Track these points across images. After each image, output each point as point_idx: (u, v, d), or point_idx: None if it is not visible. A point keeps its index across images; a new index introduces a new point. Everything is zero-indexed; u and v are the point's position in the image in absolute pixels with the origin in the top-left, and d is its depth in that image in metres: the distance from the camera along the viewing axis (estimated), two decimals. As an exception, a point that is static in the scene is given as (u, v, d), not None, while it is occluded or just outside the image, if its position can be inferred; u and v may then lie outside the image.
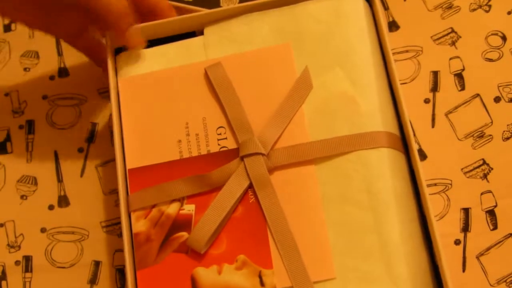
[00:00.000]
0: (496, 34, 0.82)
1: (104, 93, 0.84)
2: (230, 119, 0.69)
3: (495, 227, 0.74)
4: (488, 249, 0.74)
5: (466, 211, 0.75)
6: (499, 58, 0.81)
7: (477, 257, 0.74)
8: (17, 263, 0.79)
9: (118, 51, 0.75)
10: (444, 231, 0.75)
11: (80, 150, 0.82)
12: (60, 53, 0.86)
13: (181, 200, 0.68)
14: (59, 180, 0.81)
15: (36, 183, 0.81)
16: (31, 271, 0.78)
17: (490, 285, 0.73)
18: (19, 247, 0.79)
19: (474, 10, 0.83)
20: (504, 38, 0.81)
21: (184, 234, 0.68)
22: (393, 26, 0.83)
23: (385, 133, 0.68)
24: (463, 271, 0.73)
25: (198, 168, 0.69)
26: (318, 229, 0.66)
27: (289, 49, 0.71)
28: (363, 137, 0.67)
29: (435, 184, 0.76)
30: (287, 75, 0.70)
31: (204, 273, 0.66)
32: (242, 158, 0.68)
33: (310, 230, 0.66)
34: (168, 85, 0.72)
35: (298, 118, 0.69)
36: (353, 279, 0.64)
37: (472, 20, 0.83)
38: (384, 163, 0.67)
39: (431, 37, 0.82)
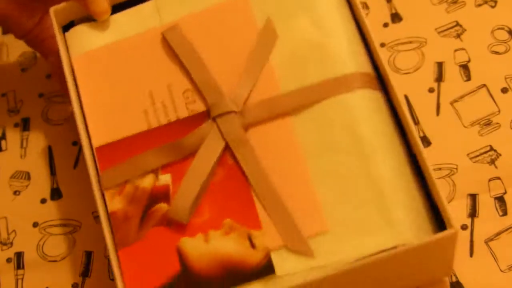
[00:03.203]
0: (503, 29, 0.80)
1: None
2: (196, 82, 0.66)
3: (504, 213, 0.71)
4: (498, 234, 0.70)
5: (473, 197, 0.72)
6: (506, 52, 0.78)
7: (486, 242, 0.70)
8: (8, 260, 0.76)
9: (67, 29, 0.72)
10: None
11: (74, 143, 0.80)
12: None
13: (155, 171, 0.65)
14: (52, 173, 0.79)
15: (29, 178, 0.79)
16: (23, 268, 0.76)
17: (501, 270, 0.69)
18: (11, 244, 0.77)
19: (479, 5, 0.81)
20: (510, 32, 0.79)
21: (163, 206, 0.64)
22: (396, 18, 0.82)
23: (359, 74, 0.65)
24: (471, 255, 0.70)
25: (169, 136, 0.66)
26: (303, 182, 0.63)
27: (245, 1, 0.68)
28: (337, 81, 0.64)
29: (440, 169, 0.73)
30: (248, 27, 0.68)
31: (190, 244, 0.63)
32: (214, 119, 0.65)
33: (294, 184, 0.63)
34: (126, 57, 0.69)
35: (267, 71, 0.66)
36: (348, 230, 0.61)
37: (477, 15, 0.81)
38: (363, 105, 0.64)
39: (436, 29, 0.80)
